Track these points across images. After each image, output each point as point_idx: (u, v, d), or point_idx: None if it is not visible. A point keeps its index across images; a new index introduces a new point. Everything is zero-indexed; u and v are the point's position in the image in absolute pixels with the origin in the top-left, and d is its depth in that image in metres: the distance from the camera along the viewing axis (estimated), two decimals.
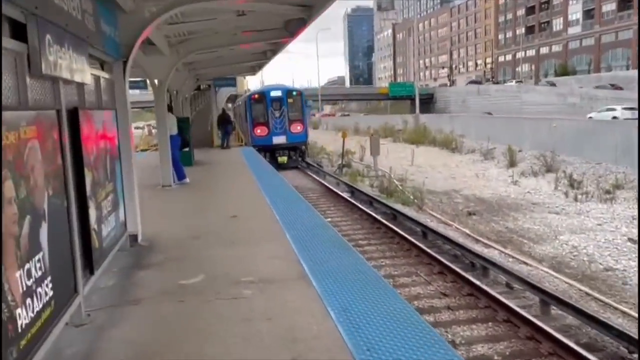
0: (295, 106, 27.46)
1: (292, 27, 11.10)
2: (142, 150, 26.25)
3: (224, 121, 24.70)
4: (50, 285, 3.67)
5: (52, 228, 3.79)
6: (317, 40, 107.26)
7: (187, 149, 16.46)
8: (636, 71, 49.20)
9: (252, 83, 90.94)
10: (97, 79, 5.88)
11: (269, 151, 26.30)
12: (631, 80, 51.54)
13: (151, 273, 5.98)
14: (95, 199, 5.19)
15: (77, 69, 4.63)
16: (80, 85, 5.10)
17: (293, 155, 27.38)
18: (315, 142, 41.02)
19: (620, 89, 51.64)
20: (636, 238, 12.30)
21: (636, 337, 6.63)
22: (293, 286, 5.36)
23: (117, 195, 6.29)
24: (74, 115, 4.70)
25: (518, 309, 7.85)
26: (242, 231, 7.84)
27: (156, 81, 12.60)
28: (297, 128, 27.21)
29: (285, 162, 26.61)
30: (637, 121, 22.16)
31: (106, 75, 6.45)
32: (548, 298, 8.24)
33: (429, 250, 11.21)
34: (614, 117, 33.02)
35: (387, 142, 40.49)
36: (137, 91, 37.73)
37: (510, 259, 11.57)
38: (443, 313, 8.25)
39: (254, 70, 22.44)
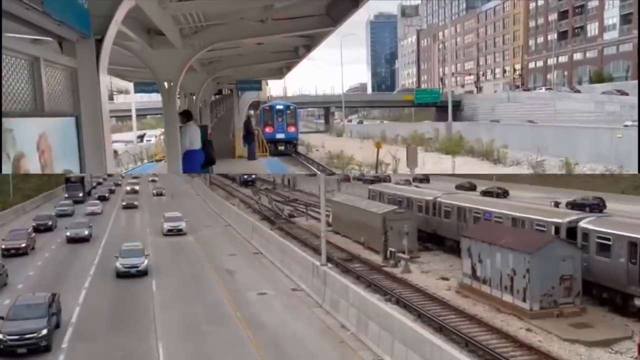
0: (291, 115, 46.62)
1: (338, 11, 8.58)
2: (156, 161, 24.01)
3: (247, 130, 22.16)
4: None
5: None
6: (341, 46, 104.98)
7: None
8: None
9: (274, 90, 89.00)
10: (33, 62, 3.38)
11: (274, 142, 42.23)
12: None
13: None
14: None
15: None
16: None
17: (288, 147, 46.21)
18: (341, 152, 38.58)
19: (626, 94, 56.85)
20: None
21: None
22: None
23: None
24: None
25: None
26: None
27: (166, 83, 10.14)
28: (291, 129, 46.23)
29: (284, 149, 44.77)
30: None
31: (63, 61, 3.95)
32: None
33: None
34: None
35: (419, 151, 37.74)
36: (153, 94, 35.78)
37: None
38: None
39: (281, 72, 19.91)
